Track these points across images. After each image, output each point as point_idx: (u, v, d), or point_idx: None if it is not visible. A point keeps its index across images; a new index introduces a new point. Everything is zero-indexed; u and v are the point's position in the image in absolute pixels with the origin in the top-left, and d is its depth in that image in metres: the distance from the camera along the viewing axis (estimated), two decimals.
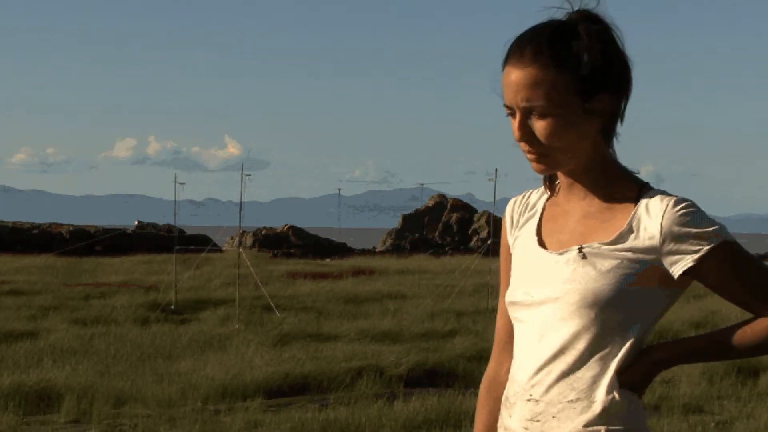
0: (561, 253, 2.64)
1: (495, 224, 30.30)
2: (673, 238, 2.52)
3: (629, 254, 2.55)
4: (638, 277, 2.54)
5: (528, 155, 2.61)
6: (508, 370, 2.82)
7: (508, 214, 2.85)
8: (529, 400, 2.63)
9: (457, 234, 60.97)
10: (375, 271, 34.45)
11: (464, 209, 63.22)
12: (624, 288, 2.54)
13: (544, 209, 2.77)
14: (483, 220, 60.31)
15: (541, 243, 2.70)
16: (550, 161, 2.61)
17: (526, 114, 2.57)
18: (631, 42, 2.63)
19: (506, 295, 2.74)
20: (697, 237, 2.51)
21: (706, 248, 2.51)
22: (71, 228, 51.15)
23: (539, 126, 2.57)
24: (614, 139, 2.64)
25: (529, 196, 2.83)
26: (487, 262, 25.69)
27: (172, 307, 21.21)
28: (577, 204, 2.68)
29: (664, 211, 2.52)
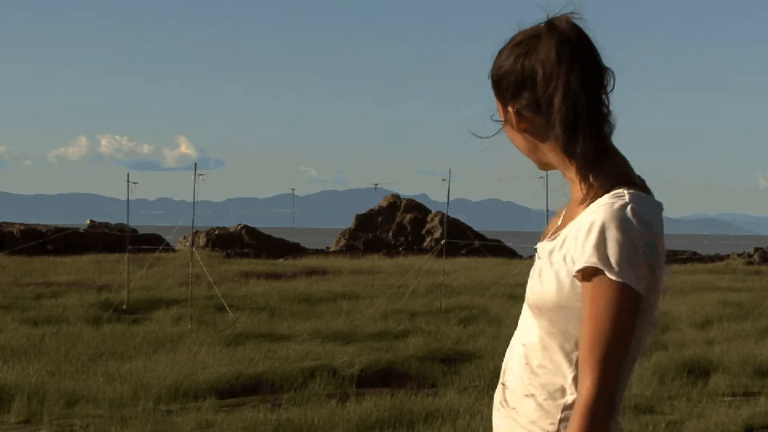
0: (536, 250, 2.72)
1: (448, 224, 30.36)
2: (579, 246, 2.49)
3: (562, 257, 2.56)
4: (570, 280, 2.54)
5: None
6: None
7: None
8: (503, 384, 2.73)
9: (410, 234, 61.01)
10: (328, 271, 34.43)
11: (418, 209, 63.26)
12: (559, 289, 2.55)
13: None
14: (436, 221, 60.38)
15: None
16: (533, 160, 2.72)
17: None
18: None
19: None
20: (593, 251, 2.45)
21: (584, 265, 2.47)
22: (22, 227, 50.68)
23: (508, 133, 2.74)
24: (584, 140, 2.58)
25: None
26: (441, 263, 25.73)
27: (124, 306, 21.09)
28: (568, 204, 2.73)
29: (590, 220, 2.49)
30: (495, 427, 2.75)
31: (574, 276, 2.50)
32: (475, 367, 13.44)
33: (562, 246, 2.57)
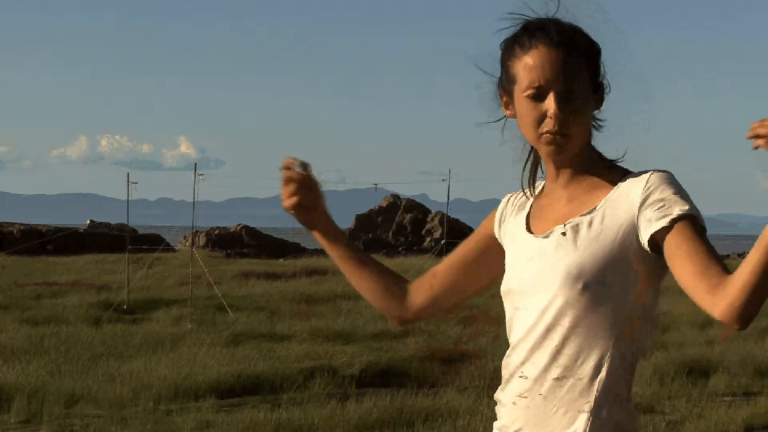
0: (546, 236, 2.68)
1: (448, 224, 30.38)
2: (650, 203, 2.54)
3: (608, 225, 2.59)
4: (617, 248, 2.57)
5: (553, 137, 2.64)
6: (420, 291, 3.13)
7: (500, 209, 2.92)
8: (521, 377, 2.68)
9: (410, 234, 61.04)
10: (328, 271, 34.40)
11: (418, 209, 63.31)
12: (604, 259, 2.57)
13: (533, 202, 2.83)
14: (436, 221, 60.39)
15: (530, 230, 2.76)
16: (571, 146, 2.65)
17: (563, 96, 2.61)
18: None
19: (502, 283, 2.79)
20: (682, 201, 2.53)
21: (679, 213, 2.52)
22: (22, 227, 50.73)
23: (572, 110, 2.61)
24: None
25: (524, 193, 2.89)
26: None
27: (124, 306, 21.09)
28: (563, 190, 2.72)
29: (648, 179, 2.57)
30: (511, 422, 2.69)
31: (666, 226, 2.52)
32: (475, 367, 13.41)
33: (603, 219, 2.60)
